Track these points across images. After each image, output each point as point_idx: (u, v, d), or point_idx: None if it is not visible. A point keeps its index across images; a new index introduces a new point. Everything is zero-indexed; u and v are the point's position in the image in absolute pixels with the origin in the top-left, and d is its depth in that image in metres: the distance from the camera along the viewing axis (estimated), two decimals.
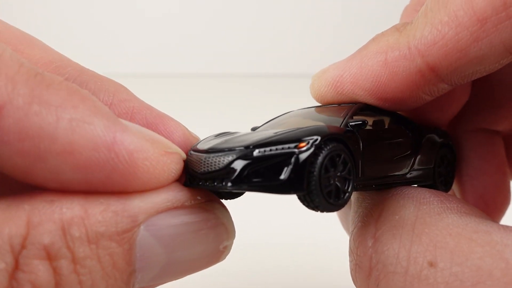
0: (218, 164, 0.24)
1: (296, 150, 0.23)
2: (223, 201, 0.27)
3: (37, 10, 1.28)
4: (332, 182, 0.24)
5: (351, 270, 0.27)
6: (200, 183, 0.25)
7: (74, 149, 0.20)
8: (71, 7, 1.29)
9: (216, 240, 0.25)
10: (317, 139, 0.24)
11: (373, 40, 0.30)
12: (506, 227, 0.23)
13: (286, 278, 0.50)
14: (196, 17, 1.30)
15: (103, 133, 0.21)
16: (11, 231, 0.19)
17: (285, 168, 0.23)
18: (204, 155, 0.25)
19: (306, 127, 0.25)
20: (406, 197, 0.26)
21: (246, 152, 0.24)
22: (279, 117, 0.33)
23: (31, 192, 0.21)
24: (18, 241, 0.19)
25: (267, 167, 0.23)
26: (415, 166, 0.31)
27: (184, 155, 0.26)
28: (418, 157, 0.32)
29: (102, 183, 0.21)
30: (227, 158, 0.24)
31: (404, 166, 0.30)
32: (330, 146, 0.24)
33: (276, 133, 0.25)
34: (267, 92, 1.21)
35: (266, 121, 0.33)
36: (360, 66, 0.29)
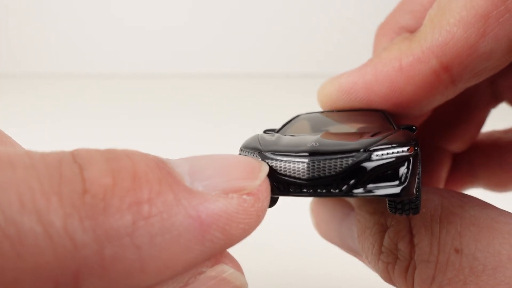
0: (334, 168, 0.22)
1: (408, 153, 0.22)
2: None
3: (37, 9, 1.28)
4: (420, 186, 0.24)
5: (388, 264, 0.28)
6: (292, 190, 0.22)
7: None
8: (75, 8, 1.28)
9: None
10: (417, 143, 0.23)
11: (385, 49, 0.31)
12: None
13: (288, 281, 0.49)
14: (204, 17, 1.29)
15: (191, 213, 0.18)
16: None
17: (403, 172, 0.22)
18: (307, 159, 0.22)
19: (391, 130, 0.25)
20: (429, 191, 0.28)
21: (365, 155, 0.22)
22: (299, 122, 0.30)
23: None
24: None
25: (385, 171, 0.22)
26: None
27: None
28: None
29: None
30: (345, 162, 0.22)
31: None
32: (419, 151, 0.24)
33: (372, 136, 0.24)
34: (275, 93, 1.20)
35: (283, 124, 0.31)
36: (374, 73, 0.30)
